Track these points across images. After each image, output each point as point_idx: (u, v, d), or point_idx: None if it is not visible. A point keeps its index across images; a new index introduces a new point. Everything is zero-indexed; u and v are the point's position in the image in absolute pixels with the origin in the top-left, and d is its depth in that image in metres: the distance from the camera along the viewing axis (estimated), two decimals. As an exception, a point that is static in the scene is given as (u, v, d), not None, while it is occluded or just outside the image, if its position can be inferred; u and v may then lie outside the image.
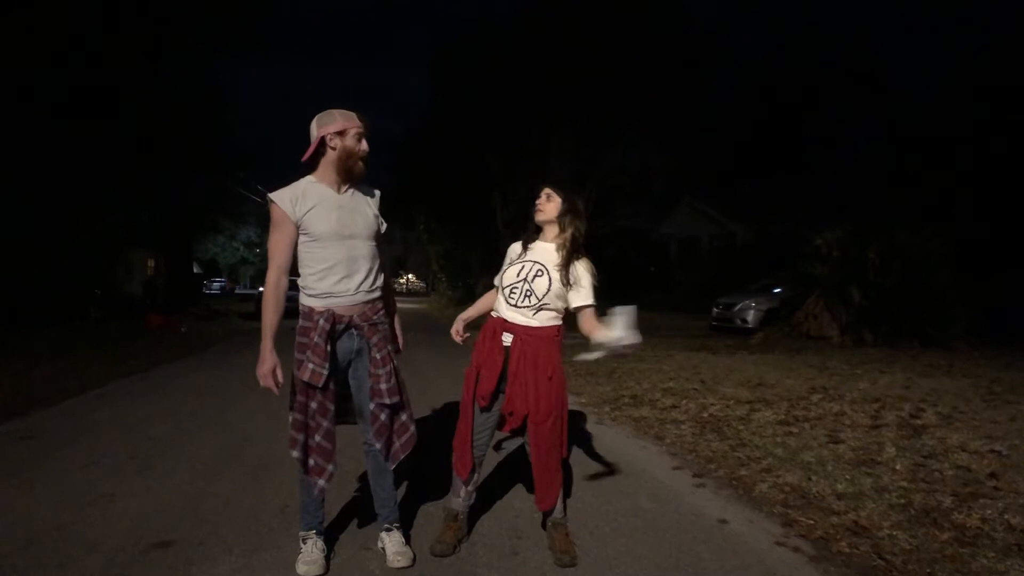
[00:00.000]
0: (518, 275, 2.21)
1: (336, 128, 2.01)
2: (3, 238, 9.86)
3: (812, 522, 2.58)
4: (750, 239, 19.40)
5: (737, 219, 20.85)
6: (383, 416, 2.11)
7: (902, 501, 2.71)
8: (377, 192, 2.26)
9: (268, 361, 2.00)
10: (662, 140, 22.56)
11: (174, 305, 16.11)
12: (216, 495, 2.87)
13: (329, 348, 2.01)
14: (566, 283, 2.18)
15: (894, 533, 2.43)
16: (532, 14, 22.30)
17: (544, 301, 2.17)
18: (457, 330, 2.40)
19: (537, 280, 2.17)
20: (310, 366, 1.99)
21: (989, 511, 2.51)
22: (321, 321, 2.02)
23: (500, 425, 2.27)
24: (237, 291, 45.59)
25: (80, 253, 11.63)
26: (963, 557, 2.21)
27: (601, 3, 20.91)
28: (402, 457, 2.20)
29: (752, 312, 11.66)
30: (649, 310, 19.08)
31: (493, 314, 2.29)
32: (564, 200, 2.28)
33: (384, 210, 2.25)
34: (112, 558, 2.21)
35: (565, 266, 2.19)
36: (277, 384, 2.02)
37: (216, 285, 45.59)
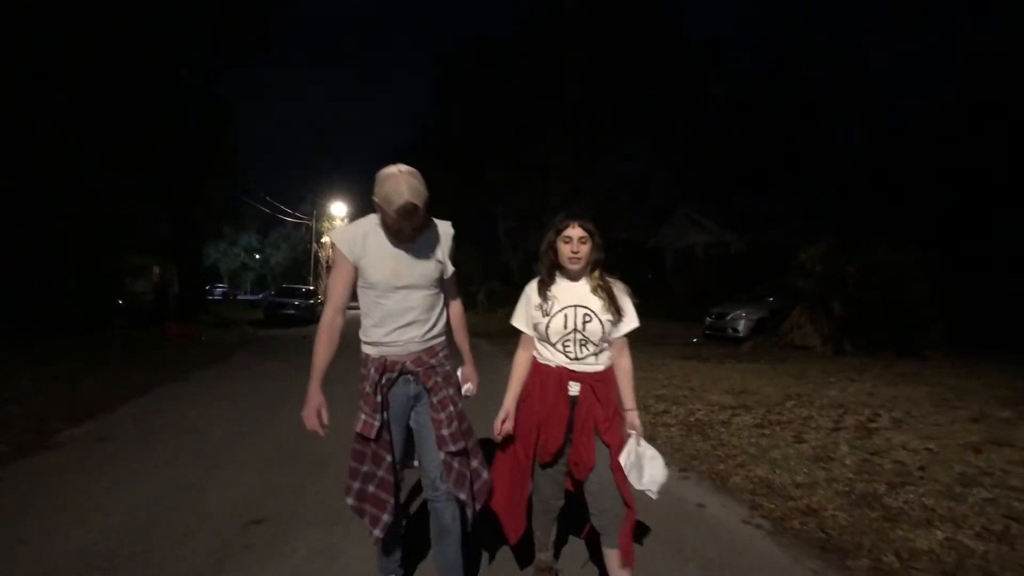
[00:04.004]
0: (566, 326, 2.04)
1: (379, 201, 1.86)
2: (37, 253, 10.48)
3: (773, 506, 3.21)
4: (743, 249, 20.05)
5: (731, 229, 21.51)
6: (456, 464, 2.00)
7: (846, 489, 3.34)
8: (449, 230, 2.11)
9: (313, 400, 1.97)
10: (659, 151, 23.32)
11: (186, 313, 16.70)
12: (288, 484, 3.49)
13: (380, 398, 1.97)
14: (618, 319, 2.09)
15: (836, 513, 3.06)
16: (533, 28, 23.05)
17: (600, 346, 2.07)
18: (506, 418, 2.13)
19: (588, 326, 2.04)
20: (362, 417, 1.97)
21: (911, 495, 3.14)
22: (372, 371, 1.98)
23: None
24: (239, 297, 46.08)
25: (104, 265, 12.26)
26: (885, 530, 2.84)
27: (600, 17, 21.69)
28: (478, 508, 2.07)
29: (743, 322, 12.28)
30: (644, 318, 19.71)
31: (545, 363, 2.11)
32: (596, 237, 2.08)
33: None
34: (222, 529, 2.84)
35: (613, 304, 2.08)
36: (323, 425, 1.99)
37: (218, 291, 46.16)
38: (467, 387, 2.24)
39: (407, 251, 1.97)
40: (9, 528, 2.83)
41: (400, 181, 1.82)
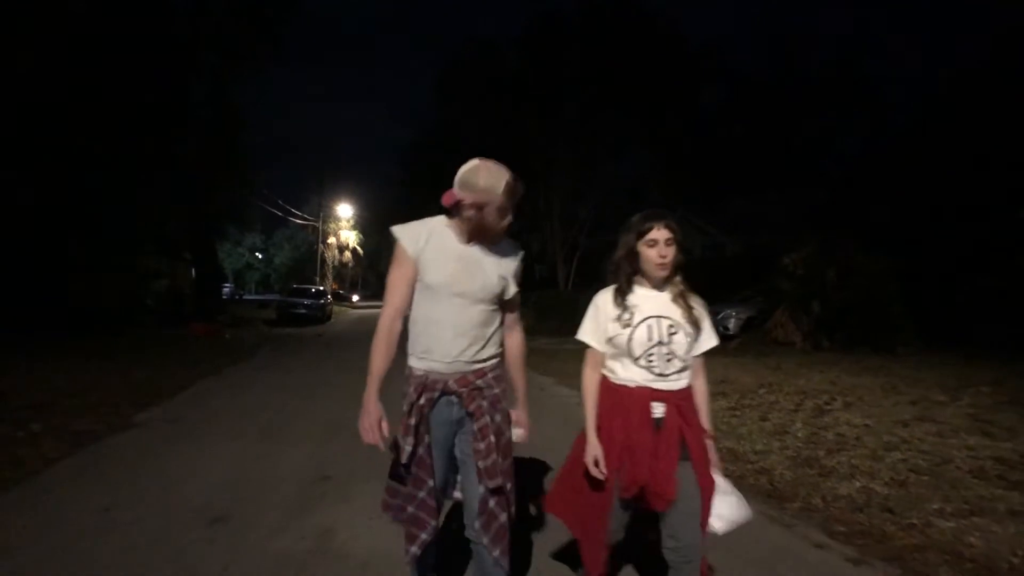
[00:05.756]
0: (650, 338, 1.86)
1: (475, 200, 1.75)
2: (80, 263, 11.34)
3: (735, 468, 4.00)
4: (738, 251, 20.85)
5: (726, 232, 22.34)
6: (492, 503, 1.83)
7: (794, 455, 4.14)
8: (519, 252, 1.97)
9: (372, 412, 1.78)
10: (658, 155, 24.11)
11: (203, 313, 17.48)
12: (341, 451, 4.28)
13: (414, 421, 1.81)
14: (697, 333, 1.91)
15: (784, 472, 3.85)
16: (533, 35, 23.79)
17: (685, 361, 1.88)
18: (598, 458, 1.87)
19: (675, 339, 1.85)
20: (398, 438, 1.85)
21: (843, 458, 3.94)
22: (411, 390, 1.84)
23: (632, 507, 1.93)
24: (246, 297, 46.91)
25: (133, 267, 13.09)
26: (818, 482, 3.64)
27: (599, 23, 22.44)
28: (497, 553, 1.85)
29: (733, 320, 13.10)
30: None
31: (622, 383, 1.90)
32: (679, 237, 1.90)
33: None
34: (298, 484, 3.63)
35: (692, 315, 1.90)
36: (383, 438, 1.80)
37: (225, 290, 47.02)
38: (518, 432, 2.02)
39: (471, 257, 1.84)
40: (132, 485, 3.63)
41: (490, 166, 1.77)
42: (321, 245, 37.22)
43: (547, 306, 19.68)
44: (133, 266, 13.06)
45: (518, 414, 2.04)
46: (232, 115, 21.50)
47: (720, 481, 1.90)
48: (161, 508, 3.21)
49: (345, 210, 39.18)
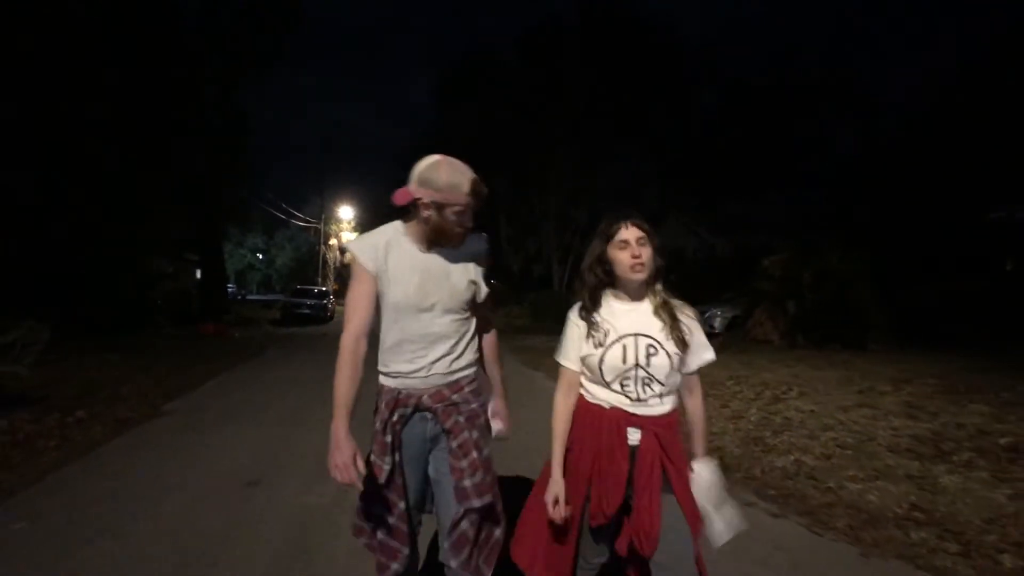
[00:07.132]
0: (624, 360, 1.66)
1: (434, 198, 1.63)
2: (99, 266, 11.97)
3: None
4: (728, 252, 21.49)
5: (717, 233, 22.98)
6: (465, 523, 1.71)
7: (745, 435, 4.76)
8: (483, 243, 1.85)
9: (344, 449, 1.62)
10: (654, 159, 24.73)
11: (210, 313, 18.09)
12: (356, 433, 4.88)
13: (390, 438, 1.73)
14: (684, 349, 1.68)
15: (733, 450, 4.47)
16: (532, 38, 24.40)
17: (668, 385, 1.68)
18: (559, 497, 1.70)
19: (653, 361, 1.65)
20: (371, 456, 1.75)
21: (785, 437, 4.57)
22: (383, 406, 1.76)
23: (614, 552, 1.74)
24: (248, 297, 47.54)
25: (149, 273, 13.73)
26: (760, 457, 4.26)
27: (598, 28, 23.04)
28: (488, 574, 1.75)
29: (718, 319, 13.74)
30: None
31: (597, 403, 1.72)
32: (654, 238, 1.71)
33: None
34: (315, 460, 4.24)
35: (676, 330, 1.68)
36: (360, 473, 1.65)
37: (228, 291, 47.63)
38: (497, 426, 1.91)
39: (434, 267, 1.73)
40: (173, 460, 4.25)
41: (453, 162, 1.66)
42: (322, 246, 37.83)
43: (543, 306, 20.34)
44: (142, 267, 13.69)
45: (496, 405, 1.93)
46: (239, 118, 22.17)
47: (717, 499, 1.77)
48: (202, 477, 3.84)
49: (346, 212, 39.85)
